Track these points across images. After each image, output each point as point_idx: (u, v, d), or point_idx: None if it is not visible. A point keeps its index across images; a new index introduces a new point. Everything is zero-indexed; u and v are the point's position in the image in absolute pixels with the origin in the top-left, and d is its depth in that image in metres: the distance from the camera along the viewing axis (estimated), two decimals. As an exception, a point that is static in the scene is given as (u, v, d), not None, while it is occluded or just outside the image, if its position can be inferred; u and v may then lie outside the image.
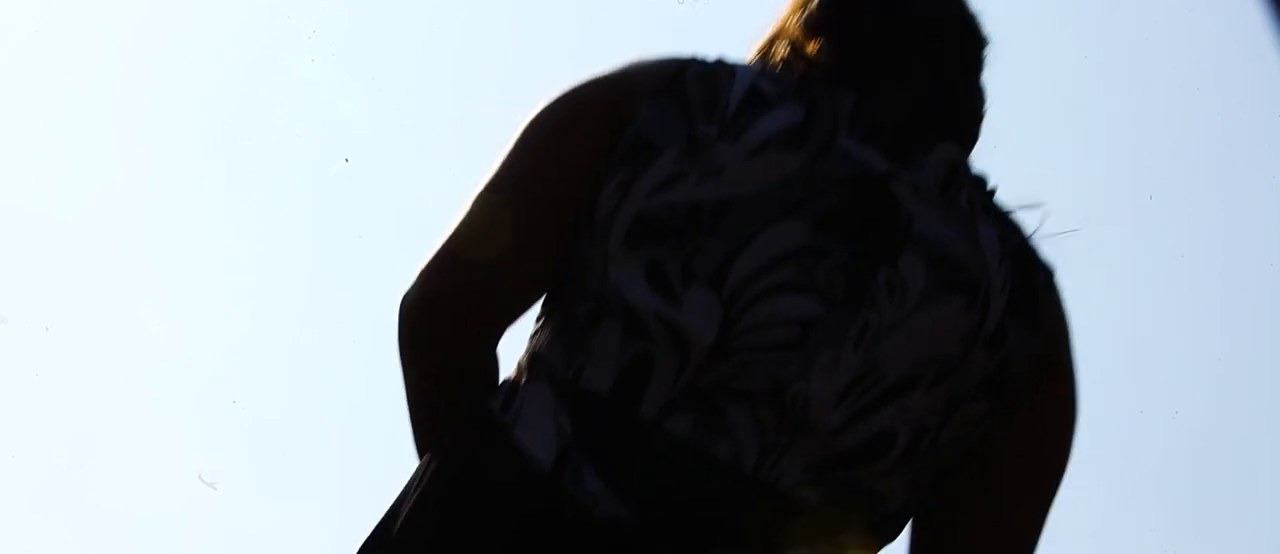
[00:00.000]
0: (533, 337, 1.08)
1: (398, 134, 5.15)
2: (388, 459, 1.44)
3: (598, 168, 1.06)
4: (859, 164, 1.05)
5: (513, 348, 1.12)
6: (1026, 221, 1.13)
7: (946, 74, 1.13)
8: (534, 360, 1.06)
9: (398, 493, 1.07)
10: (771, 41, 1.14)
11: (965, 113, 1.15)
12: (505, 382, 1.08)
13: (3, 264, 5.02)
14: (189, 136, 5.33)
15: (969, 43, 1.17)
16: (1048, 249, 1.13)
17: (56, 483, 4.81)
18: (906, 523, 1.08)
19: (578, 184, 1.06)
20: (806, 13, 1.13)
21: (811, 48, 1.11)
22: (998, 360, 1.06)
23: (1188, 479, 5.39)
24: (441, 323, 1.08)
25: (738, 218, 1.02)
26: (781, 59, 1.12)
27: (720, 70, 1.07)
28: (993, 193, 1.12)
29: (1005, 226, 1.10)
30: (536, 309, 1.10)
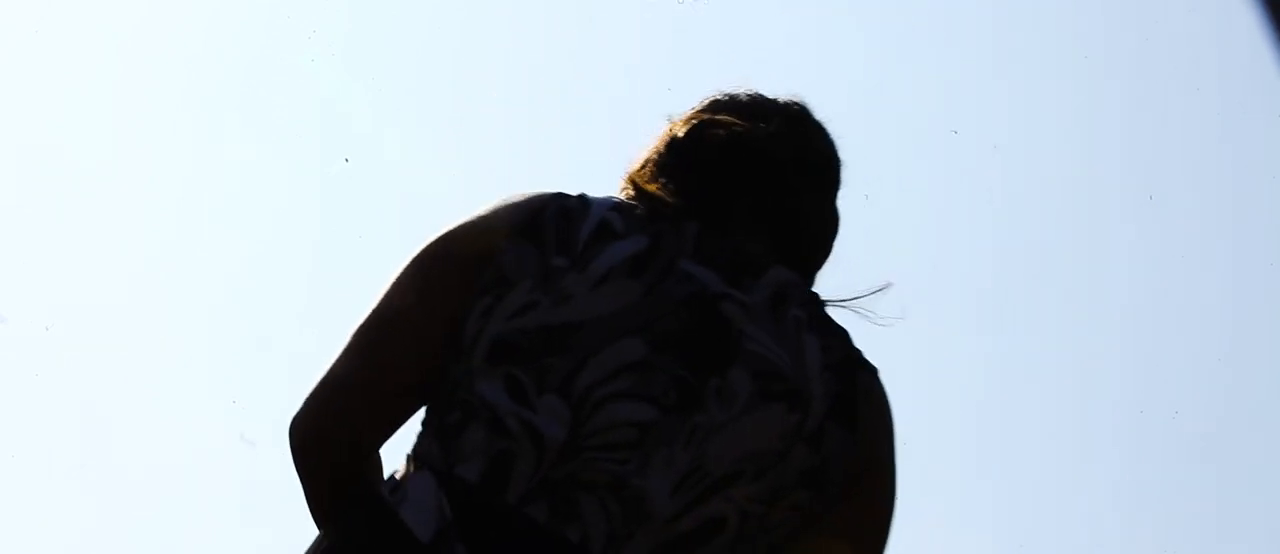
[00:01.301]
0: (418, 436, 1.25)
1: (398, 134, 5.15)
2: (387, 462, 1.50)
3: (462, 304, 1.22)
4: (697, 286, 1.21)
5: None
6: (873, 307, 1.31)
7: (786, 204, 1.28)
8: (417, 457, 1.23)
9: None
10: (637, 175, 1.31)
11: (808, 236, 1.30)
12: (393, 475, 1.24)
13: (3, 264, 5.02)
14: (189, 136, 5.32)
15: (811, 174, 1.31)
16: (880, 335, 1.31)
17: (56, 482, 4.80)
18: None
19: (442, 321, 1.22)
20: (660, 154, 1.30)
21: (662, 186, 1.27)
22: (818, 458, 1.21)
23: (1188, 479, 5.38)
24: (324, 442, 1.26)
25: (584, 338, 1.19)
26: (638, 194, 1.28)
27: (576, 207, 1.23)
28: (822, 308, 1.26)
29: (829, 339, 1.24)
30: (416, 420, 1.27)
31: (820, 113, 1.38)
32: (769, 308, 1.23)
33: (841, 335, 1.27)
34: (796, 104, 1.36)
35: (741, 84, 1.37)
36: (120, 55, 5.24)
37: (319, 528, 1.27)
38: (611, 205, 1.25)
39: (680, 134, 1.30)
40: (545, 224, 1.23)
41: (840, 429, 1.23)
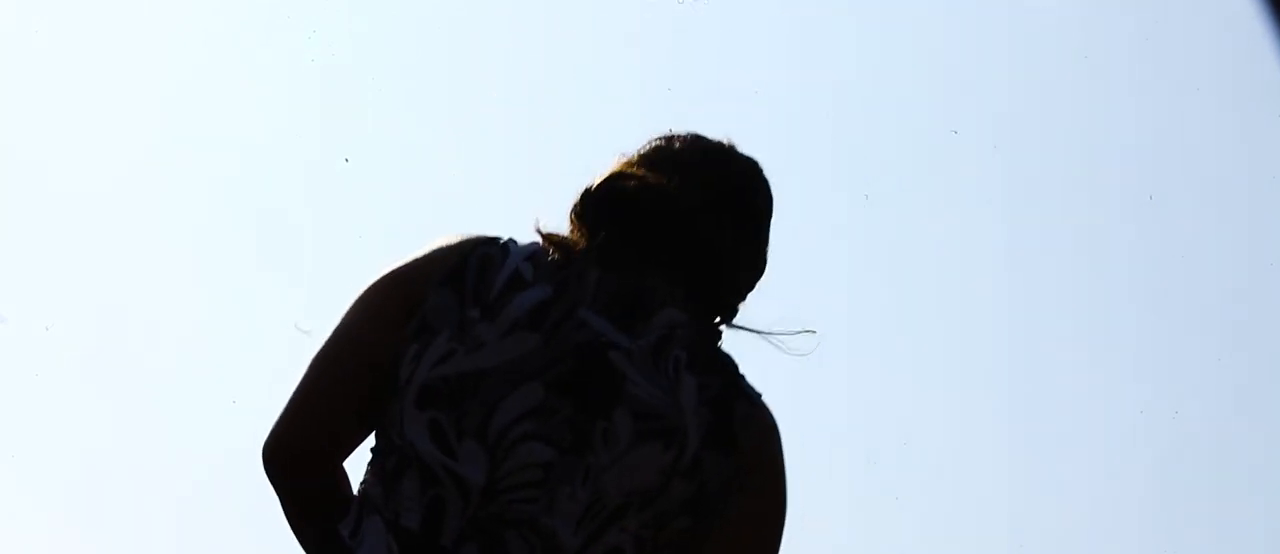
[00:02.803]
0: (367, 469, 1.42)
1: (398, 134, 5.15)
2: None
3: (395, 342, 1.39)
4: (590, 334, 1.37)
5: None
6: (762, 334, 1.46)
7: (690, 247, 1.43)
8: (367, 496, 1.41)
9: None
10: (570, 218, 1.45)
11: (717, 273, 1.44)
12: (352, 512, 1.42)
13: (3, 264, 5.02)
14: (189, 136, 5.32)
15: (724, 217, 1.45)
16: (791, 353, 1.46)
17: (56, 482, 4.80)
18: None
19: (379, 358, 1.39)
20: (575, 206, 1.44)
21: (576, 236, 1.43)
22: (695, 486, 1.36)
23: (1188, 479, 5.37)
24: (294, 461, 1.44)
25: (493, 384, 1.36)
26: (557, 242, 1.43)
27: (496, 255, 1.40)
28: (706, 347, 1.41)
29: (707, 377, 1.39)
30: (370, 441, 1.44)
31: (760, 147, 1.52)
32: (652, 352, 1.38)
33: (723, 369, 1.41)
34: (724, 147, 1.50)
35: (682, 130, 1.51)
36: (120, 56, 5.24)
37: (298, 540, 1.46)
38: (527, 255, 1.41)
39: (593, 188, 1.45)
40: (467, 273, 1.39)
41: (715, 455, 1.38)
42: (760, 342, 1.49)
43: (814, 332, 1.46)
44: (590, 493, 1.35)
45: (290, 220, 5.10)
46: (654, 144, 1.50)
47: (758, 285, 1.50)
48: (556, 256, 1.41)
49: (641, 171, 1.45)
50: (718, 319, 1.46)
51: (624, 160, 1.48)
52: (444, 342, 1.37)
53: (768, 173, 1.54)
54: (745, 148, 1.53)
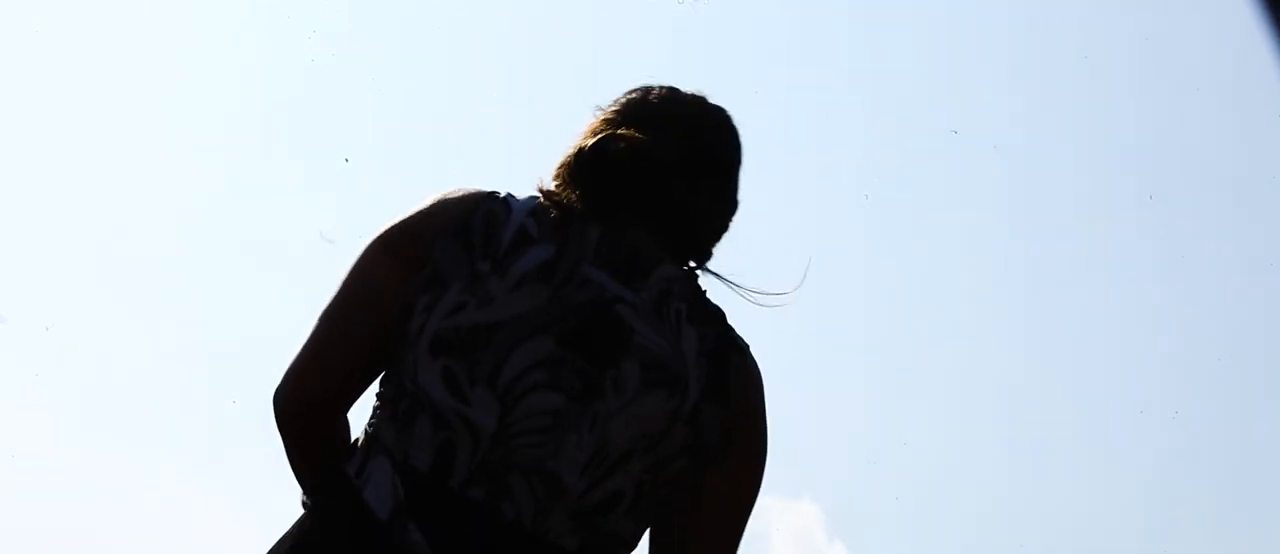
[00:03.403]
0: (374, 413, 1.47)
1: (398, 134, 5.14)
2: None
3: (406, 292, 1.44)
4: (595, 289, 1.44)
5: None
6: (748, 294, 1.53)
7: (674, 202, 1.50)
8: (376, 438, 1.45)
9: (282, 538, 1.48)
10: (555, 178, 1.50)
11: (697, 225, 1.52)
12: (358, 453, 1.46)
13: (3, 264, 5.02)
14: (189, 137, 5.31)
15: (700, 168, 1.52)
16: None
17: (56, 481, 4.80)
18: (638, 542, 1.48)
19: (389, 307, 1.44)
20: (567, 165, 1.49)
21: (571, 193, 1.48)
22: (694, 431, 1.44)
23: (1188, 479, 5.37)
24: (305, 409, 1.48)
25: (505, 335, 1.43)
26: (552, 199, 1.48)
27: (500, 210, 1.46)
28: (702, 299, 1.48)
29: (706, 327, 1.46)
30: (375, 388, 1.48)
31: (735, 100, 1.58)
32: (655, 305, 1.46)
33: (717, 320, 1.48)
34: (694, 98, 1.56)
35: (658, 81, 1.56)
36: (120, 56, 5.24)
37: (301, 486, 1.50)
38: (529, 210, 1.47)
39: (587, 147, 1.50)
40: (474, 227, 1.45)
41: (713, 405, 1.46)
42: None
43: (788, 294, 1.52)
44: (598, 438, 1.42)
45: (290, 220, 5.10)
46: (630, 97, 1.56)
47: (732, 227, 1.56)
48: (556, 214, 1.47)
49: (629, 132, 1.50)
50: (694, 264, 1.53)
51: (603, 115, 1.53)
52: (456, 293, 1.43)
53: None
54: (745, 148, 1.57)
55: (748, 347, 1.49)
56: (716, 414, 1.45)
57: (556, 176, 1.50)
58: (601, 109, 1.54)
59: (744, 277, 1.54)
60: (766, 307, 1.53)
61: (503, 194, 1.48)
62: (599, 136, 1.50)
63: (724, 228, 1.54)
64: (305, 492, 1.51)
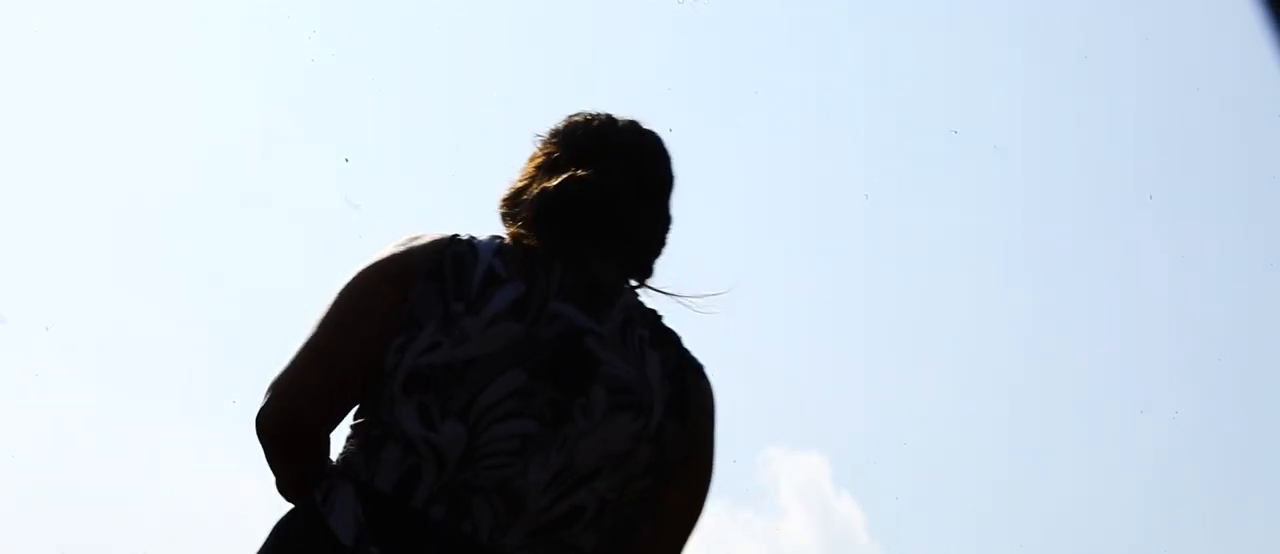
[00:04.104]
0: (346, 441, 1.55)
1: (398, 134, 5.14)
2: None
3: (384, 326, 1.53)
4: (565, 323, 1.54)
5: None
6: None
7: (625, 229, 1.60)
8: (345, 464, 1.54)
9: None
10: (516, 226, 1.60)
11: (644, 246, 1.62)
12: (326, 480, 1.55)
13: (3, 264, 5.01)
14: (189, 137, 5.31)
15: (645, 194, 1.62)
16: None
17: (55, 482, 4.79)
18: None
19: (368, 340, 1.53)
20: (523, 211, 1.59)
21: (529, 237, 1.57)
22: (658, 450, 1.54)
23: (1188, 479, 5.37)
24: (281, 439, 1.56)
25: (478, 371, 1.52)
26: (514, 237, 1.58)
27: (467, 253, 1.54)
28: (660, 322, 1.59)
29: (666, 350, 1.58)
30: (351, 417, 1.56)
31: (670, 123, 1.71)
32: (619, 334, 1.56)
33: (675, 343, 1.59)
34: (631, 126, 1.66)
35: (596, 110, 1.65)
36: (120, 56, 5.23)
37: (285, 499, 1.59)
38: (494, 250, 1.56)
39: (551, 190, 1.60)
40: (445, 269, 1.55)
41: (675, 425, 1.56)
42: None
43: (723, 293, 1.63)
44: (565, 458, 1.52)
45: (290, 220, 5.09)
46: (572, 125, 1.65)
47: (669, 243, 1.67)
48: (521, 253, 1.56)
49: (586, 173, 1.60)
50: (637, 282, 1.63)
51: (545, 147, 1.64)
52: (430, 334, 1.52)
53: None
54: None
55: (702, 366, 1.59)
56: (677, 431, 1.55)
57: (507, 207, 1.62)
58: (541, 137, 1.64)
59: (698, 280, 1.64)
60: (704, 312, 1.63)
61: (465, 236, 1.56)
62: (562, 180, 1.60)
63: (663, 244, 1.63)
64: (286, 497, 1.59)
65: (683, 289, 1.63)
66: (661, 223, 1.63)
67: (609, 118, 1.65)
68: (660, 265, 1.64)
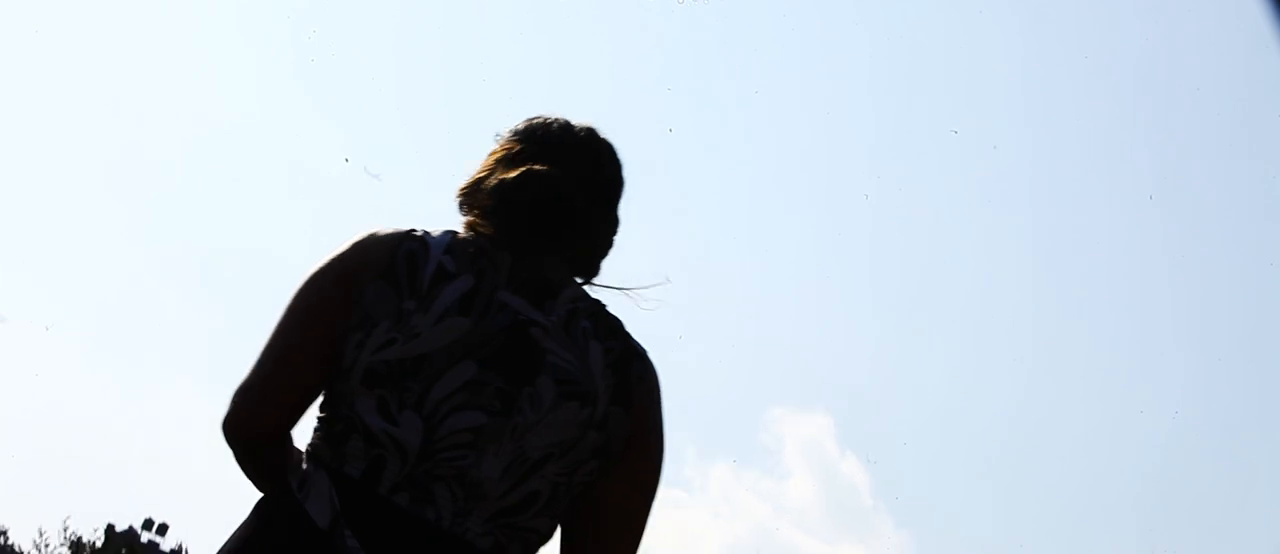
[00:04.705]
0: (314, 433, 1.64)
1: (398, 134, 5.15)
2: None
3: (335, 327, 1.62)
4: (511, 314, 1.62)
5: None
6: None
7: (577, 227, 1.67)
8: (316, 454, 1.63)
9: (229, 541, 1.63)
10: (474, 215, 1.69)
11: (592, 246, 1.70)
12: (303, 470, 1.64)
13: (3, 264, 5.02)
14: (189, 137, 5.33)
15: (596, 197, 1.70)
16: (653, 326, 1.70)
17: (55, 481, 4.80)
18: (552, 535, 1.66)
19: (321, 341, 1.62)
20: (480, 200, 1.68)
21: (484, 225, 1.66)
22: (604, 437, 1.63)
23: (1188, 479, 5.39)
24: (244, 434, 1.67)
25: (430, 365, 1.59)
26: (470, 226, 1.67)
27: (419, 250, 1.63)
28: (604, 314, 1.66)
29: (610, 341, 1.65)
30: (314, 413, 1.65)
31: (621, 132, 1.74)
32: (564, 325, 1.64)
33: (618, 332, 1.67)
34: (588, 132, 1.74)
35: (554, 113, 1.73)
36: (120, 57, 5.25)
37: (254, 485, 1.68)
38: (444, 247, 1.64)
39: (509, 180, 1.67)
40: (398, 267, 1.62)
41: (619, 412, 1.64)
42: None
43: (667, 282, 1.71)
44: (516, 448, 1.60)
45: (289, 220, 5.11)
46: (531, 126, 1.73)
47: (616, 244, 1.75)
48: (471, 248, 1.65)
49: (543, 168, 1.68)
50: (583, 280, 1.71)
51: (505, 144, 1.72)
52: (384, 331, 1.60)
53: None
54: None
55: (645, 352, 1.68)
56: (622, 418, 1.64)
57: (464, 197, 1.70)
58: (501, 135, 1.72)
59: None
60: (647, 305, 1.71)
61: (419, 232, 1.65)
62: (520, 171, 1.68)
63: (610, 245, 1.73)
64: (261, 492, 1.69)
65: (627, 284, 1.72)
66: (610, 225, 1.73)
67: (567, 122, 1.73)
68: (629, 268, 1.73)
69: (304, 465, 1.65)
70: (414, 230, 1.65)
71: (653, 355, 1.67)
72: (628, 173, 1.73)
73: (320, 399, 1.66)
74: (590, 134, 1.74)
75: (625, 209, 1.74)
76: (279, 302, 1.65)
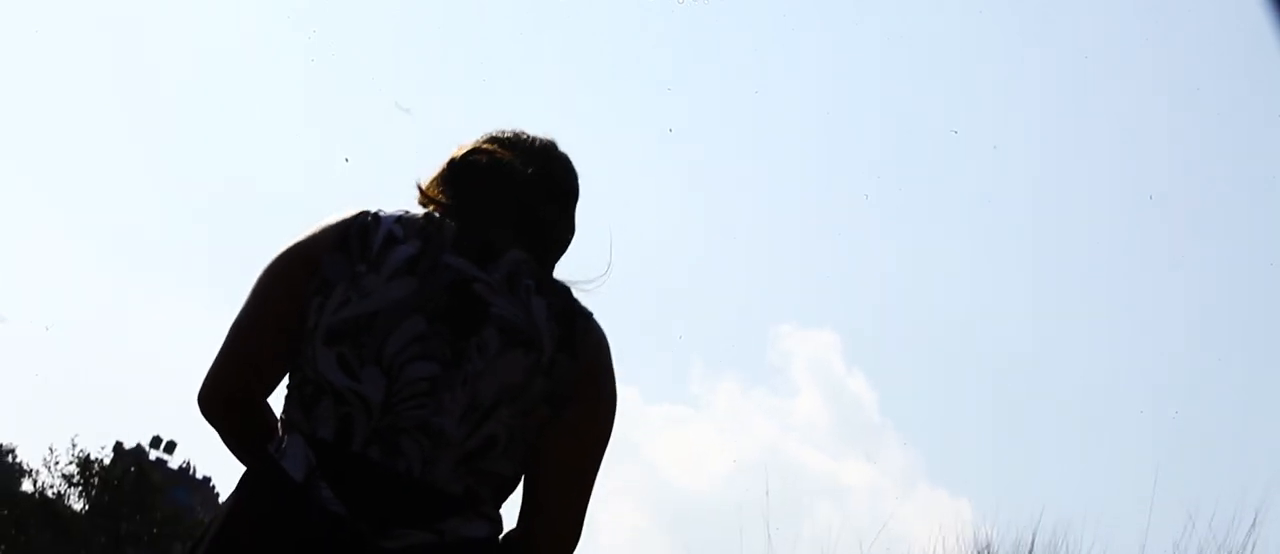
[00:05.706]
0: (286, 401, 1.76)
1: (398, 134, 5.15)
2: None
3: (301, 298, 1.74)
4: (454, 273, 1.74)
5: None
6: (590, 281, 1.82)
7: (526, 210, 1.79)
8: (289, 421, 1.75)
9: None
10: (427, 186, 1.84)
11: (546, 238, 1.81)
12: (278, 435, 1.76)
13: (3, 264, 5.01)
14: (189, 137, 5.32)
15: (549, 193, 1.82)
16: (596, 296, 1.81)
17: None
18: (519, 480, 1.77)
19: (289, 313, 1.74)
20: (443, 171, 1.83)
21: (438, 195, 1.81)
22: (551, 383, 1.73)
23: (1188, 479, 5.38)
24: (221, 407, 1.81)
25: (383, 321, 1.71)
26: (423, 195, 1.82)
27: (371, 223, 1.76)
28: (547, 278, 1.77)
29: (552, 298, 1.76)
30: (286, 381, 1.77)
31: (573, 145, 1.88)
32: (507, 282, 1.74)
33: (562, 294, 1.78)
34: (545, 142, 1.88)
35: (508, 127, 1.86)
36: (120, 57, 5.24)
37: (238, 460, 1.80)
38: (395, 218, 1.77)
39: (458, 158, 1.83)
40: (351, 239, 1.74)
41: (565, 357, 1.74)
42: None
43: (605, 275, 1.81)
44: (469, 394, 1.70)
45: (289, 219, 5.10)
46: (490, 134, 1.86)
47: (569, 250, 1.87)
48: (421, 220, 1.77)
49: (491, 148, 1.82)
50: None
51: (462, 149, 1.84)
52: (341, 292, 1.72)
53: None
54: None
55: (590, 313, 1.79)
56: (568, 366, 1.74)
57: (429, 187, 1.83)
58: (463, 146, 1.85)
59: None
60: (594, 290, 1.81)
61: (373, 210, 1.78)
62: (471, 147, 1.83)
63: (566, 245, 1.85)
64: (238, 457, 1.81)
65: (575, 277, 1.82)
66: (566, 226, 1.85)
67: (523, 131, 1.87)
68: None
69: (280, 434, 1.76)
70: (367, 210, 1.78)
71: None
72: (625, 176, 1.88)
73: (289, 373, 1.77)
74: (549, 142, 1.88)
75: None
76: (282, 228, 1.81)
